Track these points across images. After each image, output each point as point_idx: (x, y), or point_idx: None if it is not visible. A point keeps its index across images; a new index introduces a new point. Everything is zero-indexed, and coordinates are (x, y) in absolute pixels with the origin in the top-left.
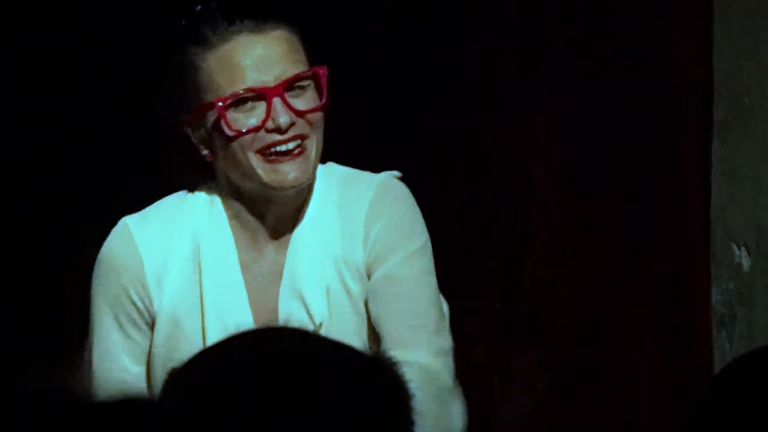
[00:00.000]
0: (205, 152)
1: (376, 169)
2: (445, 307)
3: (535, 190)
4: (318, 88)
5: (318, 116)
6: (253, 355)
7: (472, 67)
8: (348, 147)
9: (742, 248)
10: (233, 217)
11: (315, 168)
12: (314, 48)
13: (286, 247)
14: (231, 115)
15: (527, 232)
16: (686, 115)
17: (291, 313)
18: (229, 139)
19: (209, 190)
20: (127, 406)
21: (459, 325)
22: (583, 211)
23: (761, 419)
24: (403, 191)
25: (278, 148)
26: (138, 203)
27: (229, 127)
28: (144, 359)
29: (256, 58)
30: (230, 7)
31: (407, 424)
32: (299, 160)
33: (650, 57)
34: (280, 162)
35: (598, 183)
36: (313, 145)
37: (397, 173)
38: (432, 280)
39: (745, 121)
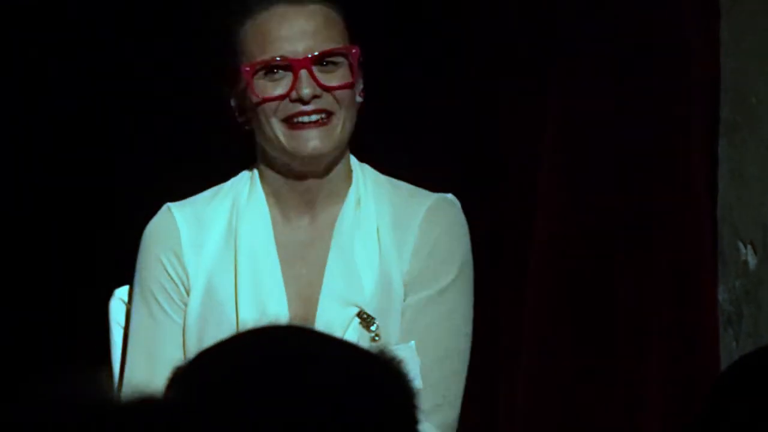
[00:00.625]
0: (242, 119)
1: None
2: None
3: (541, 189)
4: (351, 66)
5: (345, 93)
6: (258, 354)
7: (477, 67)
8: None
9: (749, 247)
10: (271, 194)
11: (339, 143)
12: (359, 26)
13: (327, 229)
14: (258, 82)
15: (533, 232)
16: (693, 115)
17: (335, 292)
18: (257, 105)
19: (250, 169)
20: (131, 405)
21: None
22: (588, 209)
23: (766, 416)
24: (458, 217)
25: (301, 119)
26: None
27: (255, 94)
28: (180, 341)
29: (290, 29)
30: None
31: (410, 422)
32: (322, 129)
33: (657, 56)
34: (302, 129)
35: (605, 182)
36: (340, 121)
37: (451, 196)
38: (459, 320)
39: (752, 120)
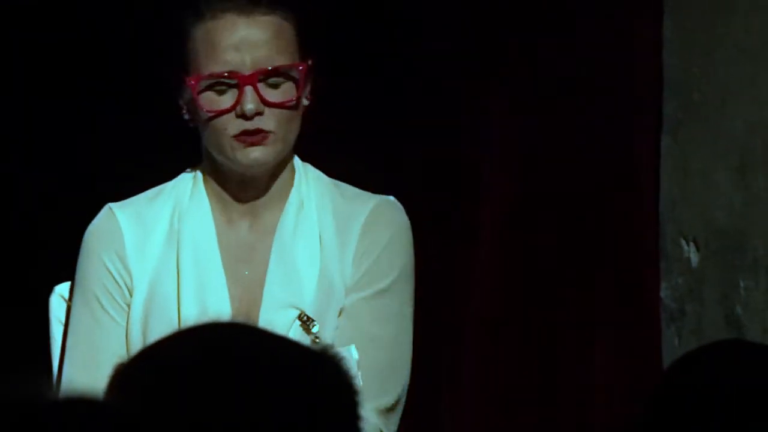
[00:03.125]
0: (187, 117)
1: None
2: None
3: (486, 182)
4: (297, 82)
5: (287, 110)
6: (198, 352)
7: (431, 68)
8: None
9: (692, 244)
10: (213, 195)
11: (281, 153)
12: (311, 39)
13: (270, 232)
14: (204, 93)
15: (478, 227)
16: (637, 111)
17: (276, 295)
18: (203, 117)
19: (194, 170)
20: (72, 406)
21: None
22: (531, 205)
23: (710, 415)
24: (399, 216)
25: (246, 127)
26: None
27: (201, 108)
28: (123, 342)
29: (238, 41)
30: None
31: (351, 419)
32: (263, 145)
33: (601, 53)
34: (246, 144)
35: (549, 178)
36: (280, 136)
37: (392, 198)
38: (398, 322)
39: (696, 117)
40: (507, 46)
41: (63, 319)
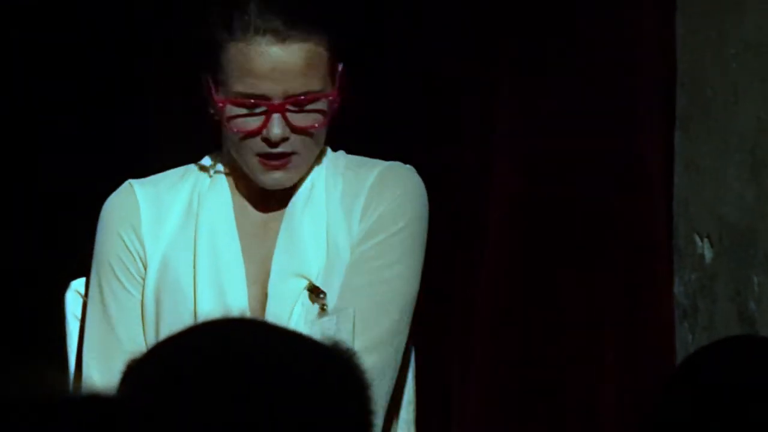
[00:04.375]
0: (212, 111)
1: None
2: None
3: (496, 180)
4: (326, 108)
5: (315, 132)
6: (210, 349)
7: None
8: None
9: (705, 240)
10: (233, 178)
11: (303, 171)
12: (345, 61)
13: (283, 210)
14: (233, 112)
15: (488, 226)
16: (649, 108)
17: (284, 265)
18: (228, 131)
19: (215, 157)
20: (84, 402)
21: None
22: (544, 202)
23: (722, 410)
24: (410, 176)
25: (270, 150)
26: None
27: (229, 128)
28: (138, 313)
29: (270, 68)
30: (261, 9)
31: (363, 414)
32: (287, 167)
33: (613, 49)
34: (268, 167)
35: (561, 174)
36: (305, 159)
37: (405, 165)
38: (401, 270)
39: (708, 113)
40: (515, 44)
41: (78, 315)
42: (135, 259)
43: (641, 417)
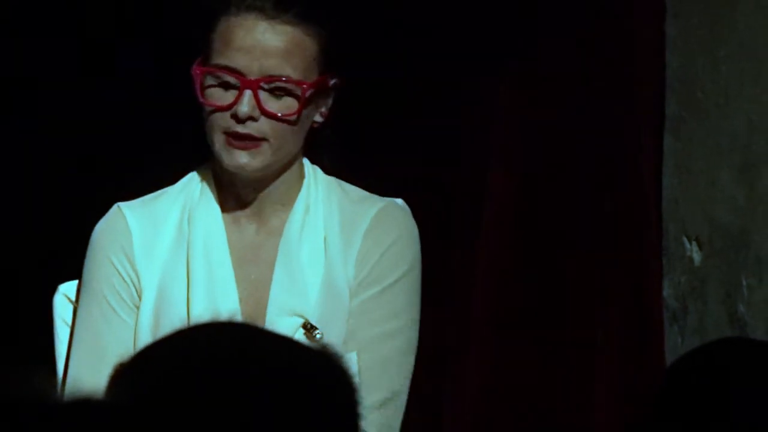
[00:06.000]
0: (202, 100)
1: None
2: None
3: (491, 181)
4: (299, 99)
5: (284, 123)
6: (199, 351)
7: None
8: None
9: (694, 242)
10: (222, 196)
11: (273, 163)
12: (338, 58)
13: (276, 234)
14: (210, 89)
15: (483, 224)
16: (639, 110)
17: (281, 301)
18: (202, 106)
19: (202, 170)
20: (68, 406)
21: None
22: (536, 204)
23: (713, 412)
24: (405, 220)
25: (236, 130)
26: None
27: (201, 95)
28: (131, 342)
29: (251, 43)
30: None
31: (352, 417)
32: (252, 151)
33: (603, 51)
34: (232, 146)
35: (552, 178)
36: (272, 148)
37: (400, 201)
38: (403, 320)
39: (698, 115)
40: (508, 45)
41: (67, 319)
42: (129, 286)
43: (633, 419)
